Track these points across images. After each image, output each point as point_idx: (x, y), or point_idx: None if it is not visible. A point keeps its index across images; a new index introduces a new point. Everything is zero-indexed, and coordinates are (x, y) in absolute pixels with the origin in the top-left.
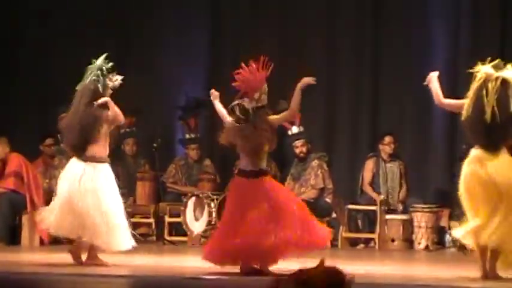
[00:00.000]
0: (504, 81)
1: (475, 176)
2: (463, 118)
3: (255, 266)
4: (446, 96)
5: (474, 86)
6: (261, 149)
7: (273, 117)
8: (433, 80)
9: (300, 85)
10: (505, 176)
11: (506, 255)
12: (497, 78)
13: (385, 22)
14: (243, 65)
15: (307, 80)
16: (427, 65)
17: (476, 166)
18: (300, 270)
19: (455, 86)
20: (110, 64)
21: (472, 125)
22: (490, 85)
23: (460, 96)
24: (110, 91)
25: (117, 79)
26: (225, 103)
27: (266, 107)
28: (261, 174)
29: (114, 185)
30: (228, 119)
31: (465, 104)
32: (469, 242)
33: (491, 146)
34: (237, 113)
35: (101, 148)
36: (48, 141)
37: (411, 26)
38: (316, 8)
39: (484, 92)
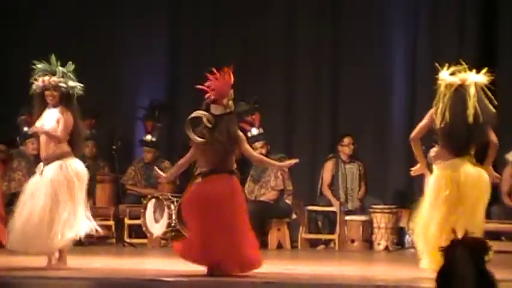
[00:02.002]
0: (477, 84)
1: (450, 179)
2: (440, 125)
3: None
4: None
5: (445, 93)
6: (227, 154)
7: (246, 148)
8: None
9: (280, 165)
10: (472, 183)
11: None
12: (471, 82)
13: (345, 24)
14: (209, 74)
15: (288, 164)
16: (386, 65)
17: (447, 172)
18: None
19: (414, 88)
20: (72, 67)
21: (451, 131)
22: (468, 90)
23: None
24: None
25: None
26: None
27: (233, 112)
28: (231, 173)
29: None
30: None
31: (437, 113)
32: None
33: (462, 148)
34: (199, 126)
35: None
36: (0, 146)
37: (371, 29)
38: (277, 11)
39: (465, 96)
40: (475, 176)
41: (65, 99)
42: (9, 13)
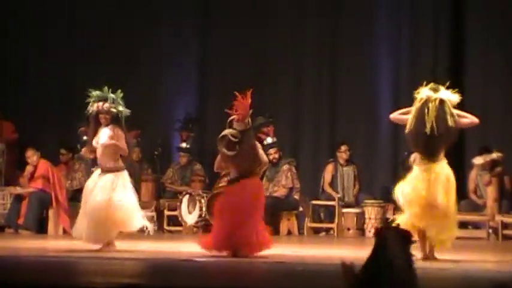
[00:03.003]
0: (441, 101)
1: (421, 178)
2: (406, 131)
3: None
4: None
5: (416, 105)
6: (253, 162)
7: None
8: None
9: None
10: (439, 178)
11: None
12: (435, 99)
13: (342, 53)
14: (235, 99)
15: None
16: (375, 85)
17: (420, 169)
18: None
19: (397, 98)
20: (121, 95)
21: (414, 137)
22: (430, 105)
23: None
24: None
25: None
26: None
27: (251, 128)
28: (256, 175)
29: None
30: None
31: (408, 120)
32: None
33: (429, 154)
34: (227, 141)
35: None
36: (62, 151)
37: (361, 54)
38: (285, 40)
39: (426, 110)
40: (444, 177)
41: (114, 120)
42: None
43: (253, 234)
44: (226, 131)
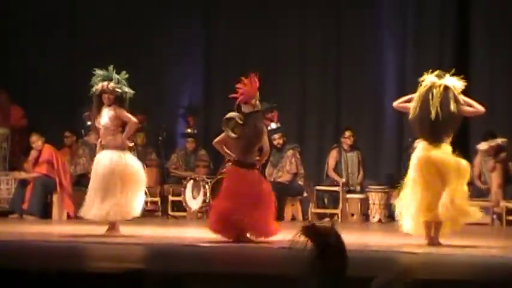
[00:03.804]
0: (446, 87)
1: (425, 161)
2: (410, 117)
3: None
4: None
5: (421, 91)
6: (253, 146)
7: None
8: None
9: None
10: (445, 160)
11: (448, 225)
12: (440, 85)
13: (347, 42)
14: (240, 81)
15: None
16: (380, 73)
17: (424, 154)
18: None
19: (402, 85)
20: (126, 76)
21: (419, 123)
22: (435, 91)
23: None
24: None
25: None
26: (218, 102)
27: (260, 111)
28: (253, 167)
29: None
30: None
31: (412, 106)
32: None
33: (434, 139)
34: (233, 124)
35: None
36: (67, 133)
37: (367, 43)
38: (292, 30)
39: (430, 96)
40: (450, 160)
41: (118, 101)
42: (76, 32)
43: (260, 220)
44: (233, 113)
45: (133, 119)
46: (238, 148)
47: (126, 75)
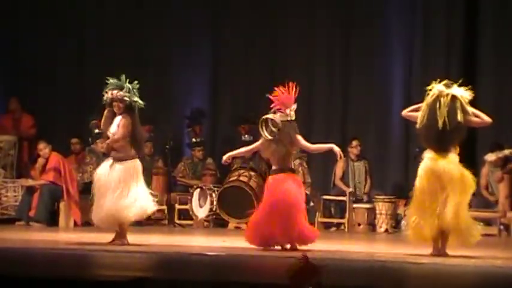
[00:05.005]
0: (453, 97)
1: (431, 171)
2: (417, 126)
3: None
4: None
5: (428, 100)
6: (289, 154)
7: (303, 144)
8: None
9: (330, 147)
10: (450, 172)
11: (454, 237)
12: (447, 94)
13: (354, 49)
14: (278, 88)
15: (337, 150)
16: (387, 80)
17: (431, 164)
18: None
19: (408, 94)
20: (137, 86)
21: (426, 132)
22: (442, 100)
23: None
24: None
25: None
26: (225, 111)
27: (293, 121)
28: (291, 172)
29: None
30: (256, 144)
31: (419, 115)
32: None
33: (441, 149)
34: (270, 125)
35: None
36: (74, 140)
37: (375, 48)
38: (299, 39)
39: (437, 105)
40: (454, 171)
41: (127, 110)
42: (86, 40)
43: (295, 227)
44: (271, 115)
45: (123, 133)
46: (274, 156)
47: (138, 85)
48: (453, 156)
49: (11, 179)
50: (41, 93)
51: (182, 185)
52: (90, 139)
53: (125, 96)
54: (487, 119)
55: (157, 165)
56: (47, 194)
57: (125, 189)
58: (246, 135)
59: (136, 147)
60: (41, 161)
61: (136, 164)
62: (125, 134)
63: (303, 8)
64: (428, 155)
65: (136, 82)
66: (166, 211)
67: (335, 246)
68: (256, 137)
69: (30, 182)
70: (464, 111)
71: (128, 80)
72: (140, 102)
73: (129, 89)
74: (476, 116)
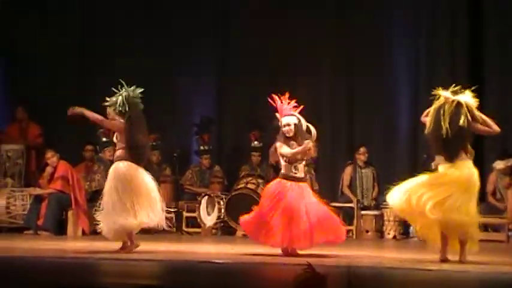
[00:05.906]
0: (458, 103)
1: (440, 174)
2: (426, 132)
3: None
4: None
5: (435, 106)
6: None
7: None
8: None
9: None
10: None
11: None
12: (453, 100)
13: (360, 54)
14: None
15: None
16: (393, 88)
17: (440, 168)
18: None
19: (415, 100)
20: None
21: (432, 138)
22: (446, 106)
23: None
24: None
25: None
26: (231, 119)
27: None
28: (299, 180)
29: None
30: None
31: (427, 120)
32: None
33: (448, 155)
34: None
35: None
36: (88, 147)
37: (380, 55)
38: (303, 41)
39: (442, 111)
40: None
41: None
42: (93, 50)
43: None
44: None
45: (112, 125)
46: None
47: (138, 90)
48: (463, 162)
49: (19, 188)
50: (48, 102)
51: (190, 193)
52: (97, 147)
53: (115, 112)
54: (495, 127)
55: (165, 173)
56: (55, 203)
57: (117, 196)
58: (256, 141)
59: (135, 154)
60: (49, 169)
61: (121, 166)
62: (114, 127)
63: (308, 16)
64: (441, 167)
65: (136, 87)
66: (174, 219)
67: (344, 252)
68: (266, 142)
69: (38, 191)
70: (473, 118)
71: (129, 87)
72: (139, 106)
73: (123, 101)
74: (485, 122)
